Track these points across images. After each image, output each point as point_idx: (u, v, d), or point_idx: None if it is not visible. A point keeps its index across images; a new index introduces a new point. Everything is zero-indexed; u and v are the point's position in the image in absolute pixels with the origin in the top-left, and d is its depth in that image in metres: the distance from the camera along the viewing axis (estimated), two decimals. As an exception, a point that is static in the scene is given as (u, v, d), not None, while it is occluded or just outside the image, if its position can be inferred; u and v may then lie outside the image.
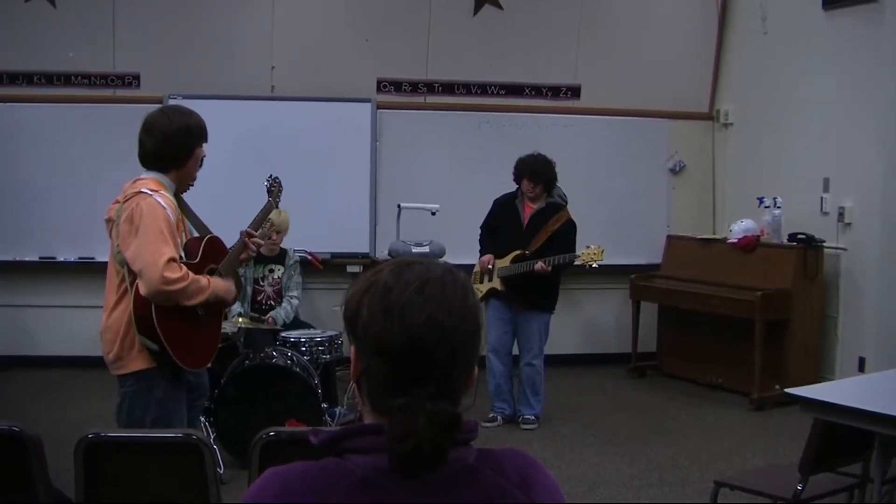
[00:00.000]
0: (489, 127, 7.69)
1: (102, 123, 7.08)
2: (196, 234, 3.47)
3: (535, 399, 5.98)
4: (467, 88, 7.73)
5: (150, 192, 3.20)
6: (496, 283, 5.90)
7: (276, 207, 4.01)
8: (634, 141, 7.90)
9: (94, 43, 7.20)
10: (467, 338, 1.30)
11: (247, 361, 5.12)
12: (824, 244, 6.65)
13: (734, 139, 7.96)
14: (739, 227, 7.05)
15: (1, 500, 2.63)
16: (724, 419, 6.20)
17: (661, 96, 7.90)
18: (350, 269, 7.38)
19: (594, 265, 5.73)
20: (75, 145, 7.17)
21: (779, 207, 6.90)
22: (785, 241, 6.82)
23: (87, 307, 6.41)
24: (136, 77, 7.30)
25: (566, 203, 5.96)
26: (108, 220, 3.35)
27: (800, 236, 6.67)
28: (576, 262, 5.76)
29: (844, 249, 6.64)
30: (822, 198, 6.80)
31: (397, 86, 7.65)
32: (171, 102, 5.89)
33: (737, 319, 6.63)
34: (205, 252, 3.36)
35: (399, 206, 6.53)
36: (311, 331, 5.82)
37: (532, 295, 5.86)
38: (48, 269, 7.26)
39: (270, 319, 5.87)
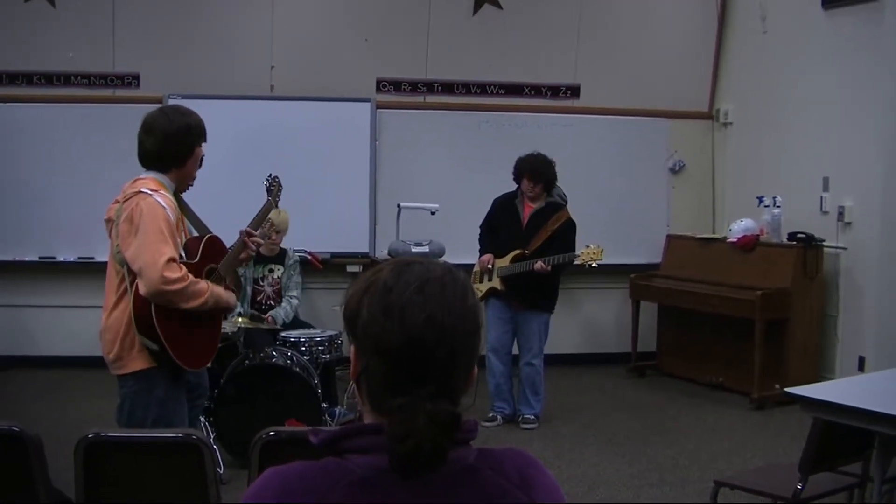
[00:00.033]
0: (489, 127, 7.69)
1: (102, 123, 7.08)
2: (196, 234, 3.47)
3: (535, 399, 5.98)
4: (467, 88, 7.73)
5: (149, 192, 3.20)
6: (496, 283, 5.90)
7: (276, 207, 4.01)
8: (634, 140, 7.90)
9: (93, 43, 7.20)
10: (467, 337, 1.30)
11: (247, 361, 5.12)
12: (824, 243, 6.65)
13: (734, 138, 7.96)
14: (739, 227, 7.05)
15: (1, 500, 2.63)
16: (724, 419, 6.20)
17: (661, 96, 7.90)
18: (350, 268, 7.38)
19: (594, 265, 5.73)
20: (75, 145, 7.17)
21: (778, 207, 6.91)
22: (785, 240, 6.82)
23: (87, 307, 6.42)
24: (136, 77, 7.30)
25: (566, 203, 5.96)
26: (108, 220, 3.35)
27: (799, 235, 6.67)
28: (575, 262, 5.76)
29: (844, 249, 6.64)
30: (821, 197, 6.80)
31: (397, 85, 7.65)
32: (171, 102, 5.90)
33: (737, 319, 6.63)
34: (204, 251, 3.36)
35: (399, 205, 6.53)
36: (311, 330, 5.82)
37: (532, 294, 5.86)
38: (48, 269, 7.26)
39: (270, 318, 5.87)
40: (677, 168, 8.04)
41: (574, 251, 5.76)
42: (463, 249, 6.27)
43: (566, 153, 6.66)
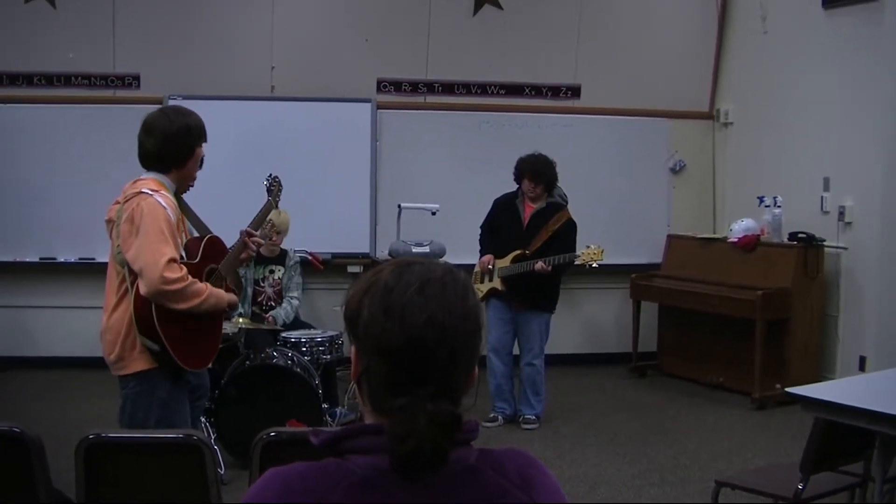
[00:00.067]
0: (489, 127, 7.69)
1: (102, 124, 7.08)
2: (196, 234, 3.47)
3: (536, 399, 5.98)
4: (467, 88, 7.73)
5: (150, 193, 3.20)
6: (496, 283, 5.90)
7: (276, 207, 4.01)
8: (635, 140, 7.90)
9: (94, 44, 7.20)
10: (468, 338, 1.30)
11: (247, 362, 5.12)
12: (825, 243, 6.65)
13: (734, 138, 7.96)
14: (740, 227, 7.05)
15: (2, 500, 2.63)
16: (725, 419, 6.20)
17: (662, 96, 7.90)
18: (350, 269, 7.38)
19: (594, 265, 5.73)
20: (75, 146, 7.17)
21: (779, 206, 6.90)
22: (785, 240, 6.82)
23: (88, 308, 6.42)
24: (136, 78, 7.30)
25: (566, 203, 5.96)
26: (109, 221, 3.35)
27: (800, 235, 6.67)
28: (576, 262, 5.76)
29: (845, 248, 6.64)
30: (822, 197, 6.80)
31: (397, 86, 7.65)
32: (171, 103, 5.89)
33: (737, 319, 6.63)
34: (205, 252, 3.36)
35: (399, 206, 6.53)
36: (312, 331, 5.82)
37: (532, 295, 5.86)
38: (48, 270, 7.26)
39: (270, 318, 5.87)
40: (678, 168, 8.04)
41: (575, 251, 5.76)
42: (463, 250, 6.27)
43: (566, 153, 6.67)
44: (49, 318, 7.31)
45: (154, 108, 3.66)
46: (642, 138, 7.92)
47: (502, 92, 7.78)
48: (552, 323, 6.03)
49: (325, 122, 7.44)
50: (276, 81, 7.46)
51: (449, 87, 7.70)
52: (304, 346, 5.41)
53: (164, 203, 3.19)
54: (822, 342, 6.73)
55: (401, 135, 7.60)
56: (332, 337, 5.54)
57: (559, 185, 5.95)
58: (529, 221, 5.89)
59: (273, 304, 6.10)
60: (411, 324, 1.25)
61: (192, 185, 3.45)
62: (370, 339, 1.28)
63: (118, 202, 3.30)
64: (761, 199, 7.04)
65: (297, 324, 6.07)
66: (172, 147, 3.30)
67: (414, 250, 6.15)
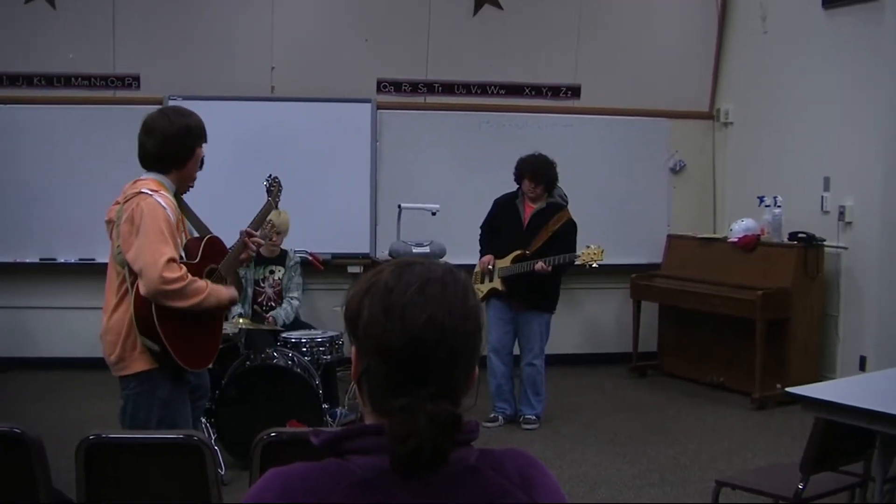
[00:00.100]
0: (489, 127, 7.69)
1: (102, 125, 7.08)
2: (196, 235, 3.47)
3: (536, 399, 5.98)
4: (467, 88, 7.73)
5: (150, 193, 3.20)
6: (497, 283, 5.90)
7: (276, 207, 4.02)
8: (635, 140, 7.90)
9: (94, 44, 7.20)
10: (468, 338, 1.30)
11: (248, 362, 5.12)
12: (825, 243, 6.65)
13: (734, 138, 7.96)
14: (740, 227, 7.05)
15: (2, 501, 2.63)
16: (725, 419, 6.20)
17: (662, 96, 7.90)
18: (351, 269, 7.38)
19: (594, 265, 5.73)
20: (75, 147, 7.17)
21: (779, 206, 6.90)
22: (785, 240, 6.82)
23: (88, 308, 6.42)
24: (136, 78, 7.30)
25: (567, 203, 5.96)
26: (109, 222, 3.35)
27: (800, 235, 6.67)
28: (576, 262, 5.76)
29: (845, 248, 6.64)
30: (822, 197, 6.80)
31: (397, 86, 7.65)
32: (171, 103, 5.89)
33: (737, 319, 6.63)
34: (205, 252, 3.36)
35: (399, 206, 6.53)
36: (312, 331, 5.82)
37: (532, 295, 5.86)
38: (48, 271, 7.26)
39: (271, 319, 5.87)
40: (678, 168, 8.04)
41: (575, 251, 5.76)
42: (463, 250, 6.26)
43: (567, 153, 6.66)
44: (49, 318, 7.31)
45: (154, 108, 3.66)
46: (642, 138, 7.92)
47: (502, 92, 7.78)
48: (552, 323, 6.03)
49: (325, 123, 7.45)
50: (276, 82, 7.46)
51: (449, 88, 7.70)
52: (305, 347, 5.41)
53: (163, 203, 3.19)
54: (823, 342, 6.73)
55: (401, 135, 7.60)
56: (332, 337, 5.55)
57: (559, 185, 5.95)
58: (530, 221, 5.89)
59: (273, 304, 6.10)
60: (411, 324, 1.25)
61: (192, 186, 3.45)
62: (370, 339, 1.28)
63: (118, 202, 3.30)
64: (761, 199, 7.04)
65: (297, 324, 6.07)
66: (173, 147, 3.30)
67: (414, 250, 6.15)
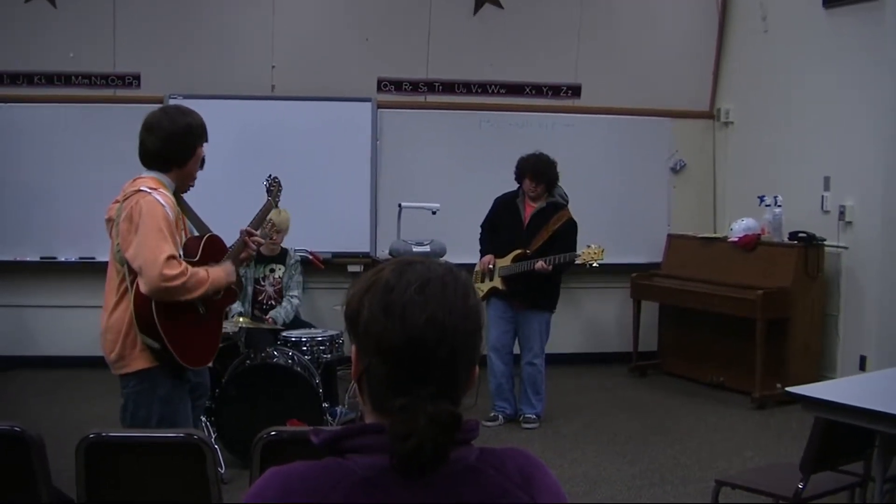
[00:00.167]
0: (489, 126, 7.69)
1: (103, 123, 7.08)
2: (196, 234, 3.47)
3: (537, 398, 5.98)
4: (468, 87, 7.73)
5: (149, 191, 3.20)
6: (497, 283, 5.90)
7: (276, 207, 4.02)
8: (635, 140, 7.90)
9: (94, 43, 7.20)
10: (468, 337, 1.30)
11: (248, 361, 5.11)
12: (825, 243, 6.65)
13: (735, 138, 7.96)
14: (740, 226, 7.05)
15: (2, 500, 2.63)
16: (726, 418, 6.20)
17: (662, 95, 7.90)
18: (351, 268, 7.38)
19: (595, 264, 5.73)
20: (76, 145, 7.18)
21: (779, 206, 6.90)
22: (786, 239, 6.82)
23: (88, 307, 6.40)
24: (137, 77, 7.30)
25: (567, 202, 5.96)
26: (109, 220, 3.35)
27: (801, 235, 6.67)
28: (576, 262, 5.76)
29: (845, 248, 6.63)
30: (822, 196, 6.79)
31: (398, 85, 7.65)
32: (172, 102, 5.89)
33: (738, 318, 6.63)
34: (204, 251, 3.36)
35: (400, 205, 6.53)
36: (313, 330, 5.82)
37: (533, 294, 5.86)
38: (49, 269, 7.26)
39: (270, 320, 5.87)
40: (678, 167, 8.04)
41: (575, 251, 5.76)
42: (464, 249, 6.27)
43: (567, 153, 6.66)
44: (49, 317, 7.31)
45: (154, 107, 3.66)
46: (643, 138, 7.92)
47: (503, 91, 7.78)
48: (552, 322, 6.03)
49: (326, 122, 7.45)
50: (277, 81, 7.46)
51: (449, 87, 7.70)
52: (305, 346, 5.41)
53: (162, 201, 3.19)
54: (823, 342, 6.73)
55: (401, 134, 7.60)
56: (332, 336, 5.55)
57: (559, 184, 5.95)
58: (530, 221, 5.89)
59: (273, 302, 6.10)
60: (412, 323, 1.25)
61: (193, 185, 3.45)
62: (371, 338, 1.28)
63: (118, 201, 3.30)
64: (762, 199, 7.04)
65: (297, 323, 6.07)
66: (174, 146, 3.30)
67: (414, 249, 6.15)
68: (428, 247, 6.22)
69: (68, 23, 7.12)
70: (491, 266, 5.95)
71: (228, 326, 5.08)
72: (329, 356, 5.48)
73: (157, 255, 3.08)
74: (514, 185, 5.98)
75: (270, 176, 4.01)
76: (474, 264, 6.03)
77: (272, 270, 6.17)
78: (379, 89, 7.61)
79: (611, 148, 7.83)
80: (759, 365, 6.43)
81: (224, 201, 5.42)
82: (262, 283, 6.13)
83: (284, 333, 5.57)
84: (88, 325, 5.66)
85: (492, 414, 5.97)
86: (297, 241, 6.38)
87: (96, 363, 3.91)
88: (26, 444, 2.54)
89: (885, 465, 3.32)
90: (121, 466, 2.59)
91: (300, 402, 4.93)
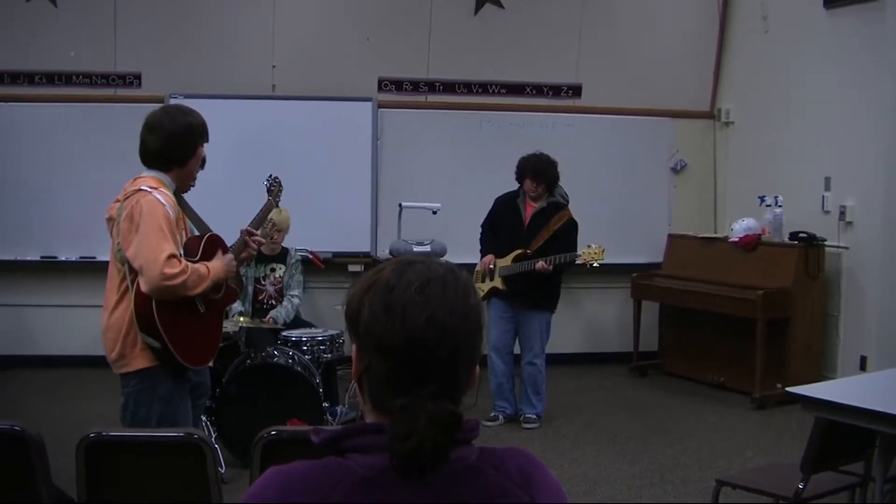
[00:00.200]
0: (490, 126, 7.69)
1: (103, 123, 7.09)
2: (196, 233, 3.47)
3: (537, 398, 5.98)
4: (468, 87, 7.73)
5: (149, 190, 3.20)
6: (497, 283, 5.90)
7: (276, 206, 4.02)
8: (636, 140, 7.90)
9: (95, 42, 7.20)
10: (469, 337, 1.30)
11: (248, 360, 5.12)
12: (826, 243, 6.65)
13: (735, 138, 7.96)
14: (741, 226, 7.05)
15: (3, 499, 2.63)
16: (726, 418, 6.20)
17: (663, 95, 7.90)
18: (351, 268, 7.38)
19: (595, 264, 5.73)
20: (76, 144, 7.18)
21: (780, 206, 6.90)
22: (786, 239, 6.81)
23: (89, 306, 6.39)
24: (138, 76, 7.30)
25: (567, 202, 5.96)
26: (109, 219, 3.35)
27: (801, 235, 6.67)
28: (577, 262, 5.76)
29: (846, 248, 6.63)
30: (823, 196, 6.79)
31: (398, 85, 7.65)
32: (173, 102, 5.90)
33: (738, 318, 6.63)
34: (205, 250, 3.36)
35: (400, 205, 6.53)
36: (313, 330, 5.82)
37: (533, 294, 5.85)
38: (49, 269, 7.26)
39: (271, 320, 5.86)
40: (679, 167, 8.04)
41: (575, 251, 5.76)
42: (464, 249, 6.27)
43: (568, 153, 6.66)
44: (50, 316, 7.31)
45: (155, 106, 3.66)
46: (643, 138, 7.92)
47: (503, 91, 7.78)
48: (553, 322, 6.03)
49: (326, 121, 7.45)
50: (278, 80, 7.46)
51: (450, 86, 7.70)
52: (305, 345, 5.41)
53: (163, 200, 3.19)
54: (823, 342, 6.72)
55: (402, 134, 7.60)
56: (332, 336, 5.55)
57: (560, 184, 5.95)
58: (530, 221, 5.89)
59: (274, 302, 6.10)
60: (412, 323, 1.25)
61: (193, 185, 3.45)
62: (371, 337, 1.28)
63: (118, 200, 3.30)
64: (762, 199, 7.04)
65: (297, 322, 6.07)
66: (174, 146, 3.30)
67: (415, 249, 6.15)
68: (428, 247, 6.22)
69: (69, 22, 7.12)
70: (491, 266, 5.95)
71: (229, 326, 5.08)
72: (329, 356, 5.48)
73: (157, 254, 3.09)
74: (515, 185, 5.98)
75: (271, 176, 4.02)
76: (475, 264, 6.03)
77: (273, 270, 6.17)
78: (380, 89, 7.61)
79: (611, 148, 7.83)
80: (760, 365, 6.43)
81: (224, 201, 5.42)
82: (263, 283, 6.13)
83: (285, 333, 5.57)
84: (89, 325, 5.66)
85: (492, 414, 5.97)
86: (298, 240, 6.37)
87: (96, 362, 3.92)
88: (26, 444, 2.54)
89: (885, 466, 3.32)
90: (121, 466, 2.59)
91: (300, 401, 4.93)
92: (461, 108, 7.66)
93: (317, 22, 7.57)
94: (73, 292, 7.18)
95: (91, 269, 6.84)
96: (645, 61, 7.85)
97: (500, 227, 6.00)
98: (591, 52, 7.78)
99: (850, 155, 6.55)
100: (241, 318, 5.48)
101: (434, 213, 6.39)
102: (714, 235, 7.58)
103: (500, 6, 7.60)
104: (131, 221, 3.16)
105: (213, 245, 3.43)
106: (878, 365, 5.92)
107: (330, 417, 5.25)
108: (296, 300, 6.13)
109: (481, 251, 6.08)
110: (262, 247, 4.60)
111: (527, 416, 5.96)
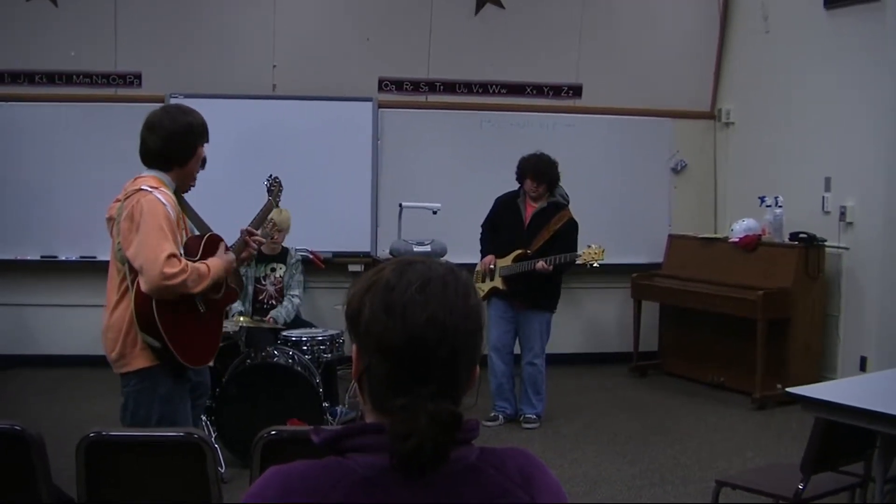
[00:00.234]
0: (490, 126, 7.69)
1: (104, 122, 7.09)
2: (197, 233, 3.47)
3: (537, 398, 5.98)
4: (469, 87, 7.73)
5: (149, 189, 3.20)
6: (498, 283, 5.90)
7: (277, 206, 4.02)
8: (636, 140, 7.90)
9: (95, 42, 7.20)
10: (469, 337, 1.30)
11: (248, 360, 5.12)
12: (826, 243, 6.65)
13: (736, 138, 7.96)
14: (741, 227, 7.05)
15: (3, 498, 2.63)
16: (726, 418, 6.20)
17: (663, 95, 7.90)
18: (351, 268, 7.39)
19: (595, 264, 5.73)
20: (77, 144, 7.18)
21: (780, 206, 6.90)
22: (786, 240, 6.81)
23: (89, 306, 6.41)
24: (138, 76, 7.30)
25: (568, 202, 5.96)
26: (110, 219, 3.35)
27: (801, 235, 6.67)
28: (577, 262, 5.76)
29: (846, 248, 6.63)
30: (823, 197, 6.79)
31: (399, 85, 7.65)
32: (173, 101, 5.90)
33: (738, 319, 6.63)
34: (205, 250, 3.36)
35: (400, 205, 6.53)
36: (313, 330, 5.82)
37: (533, 294, 5.86)
38: (50, 268, 7.26)
39: (271, 320, 5.87)
40: (679, 168, 8.04)
41: (576, 251, 5.77)
42: (465, 249, 6.27)
43: (568, 153, 6.66)
44: (50, 316, 7.31)
45: (155, 106, 3.66)
46: (644, 138, 7.92)
47: (504, 91, 7.78)
48: (553, 322, 6.03)
49: (327, 121, 7.45)
50: (278, 80, 7.46)
51: (450, 87, 7.70)
52: (305, 345, 5.41)
53: (163, 200, 3.19)
54: (823, 342, 6.72)
55: (402, 134, 7.60)
56: (332, 336, 5.55)
57: (560, 184, 5.95)
58: (531, 221, 5.89)
59: (274, 302, 6.10)
60: (412, 323, 1.25)
61: (193, 185, 3.45)
62: (371, 337, 1.28)
63: (119, 200, 3.30)
64: (762, 199, 7.04)
65: (298, 322, 6.07)
66: (175, 145, 3.30)
67: (415, 249, 6.15)
68: (429, 246, 6.22)
69: (69, 22, 7.12)
70: (492, 266, 5.95)
71: (229, 326, 5.08)
72: (329, 356, 5.48)
73: (157, 253, 3.09)
74: (515, 185, 5.98)
75: (271, 176, 4.02)
76: (475, 264, 6.03)
77: (273, 270, 6.17)
78: (380, 89, 7.61)
79: (612, 148, 7.83)
80: (760, 365, 6.43)
81: (224, 201, 5.42)
82: (263, 283, 6.13)
83: (285, 333, 5.57)
84: (89, 324, 5.67)
85: (492, 414, 5.97)
86: (298, 240, 6.37)
87: (97, 362, 3.92)
88: (26, 443, 2.54)
89: (885, 466, 3.32)
90: (121, 465, 2.59)
91: (300, 401, 4.93)
92: (461, 108, 7.66)
93: (317, 22, 7.57)
94: (73, 292, 7.18)
95: (91, 269, 6.84)
96: (645, 61, 7.85)
97: (501, 227, 6.00)
98: (591, 52, 7.79)
99: (850, 155, 6.55)
100: (242, 318, 5.49)
101: (434, 213, 6.40)
102: (714, 236, 7.58)
103: (501, 6, 7.60)
104: (132, 221, 3.16)
105: (214, 245, 3.43)
106: (878, 365, 5.92)
107: (330, 417, 5.25)
108: (296, 300, 6.13)
109: (481, 251, 6.08)
110: (263, 247, 4.61)
111: (527, 416, 5.96)
